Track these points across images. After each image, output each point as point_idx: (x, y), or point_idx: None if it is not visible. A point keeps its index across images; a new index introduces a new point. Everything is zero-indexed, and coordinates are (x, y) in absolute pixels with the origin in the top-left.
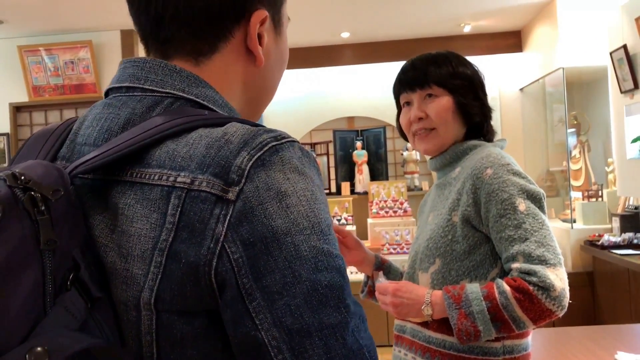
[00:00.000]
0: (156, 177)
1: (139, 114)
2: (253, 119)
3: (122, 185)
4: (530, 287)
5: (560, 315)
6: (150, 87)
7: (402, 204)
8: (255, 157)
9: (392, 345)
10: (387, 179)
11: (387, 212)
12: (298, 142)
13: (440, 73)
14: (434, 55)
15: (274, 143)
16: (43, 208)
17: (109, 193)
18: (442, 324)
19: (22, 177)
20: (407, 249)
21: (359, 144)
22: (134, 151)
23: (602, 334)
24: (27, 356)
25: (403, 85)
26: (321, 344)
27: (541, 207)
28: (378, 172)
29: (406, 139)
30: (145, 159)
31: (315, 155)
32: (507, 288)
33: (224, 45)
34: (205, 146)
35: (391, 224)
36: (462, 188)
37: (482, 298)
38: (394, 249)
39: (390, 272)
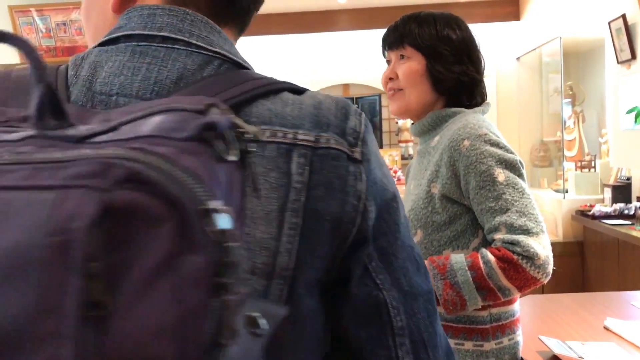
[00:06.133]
0: (267, 134)
1: (191, 71)
2: None
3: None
4: (515, 257)
5: (545, 282)
6: (197, 43)
7: (395, 172)
8: (364, 122)
9: None
10: (381, 147)
11: None
12: None
13: (416, 34)
14: (419, 15)
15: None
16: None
17: None
18: None
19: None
20: None
21: None
22: (234, 105)
23: (591, 301)
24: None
25: (383, 43)
26: (423, 307)
27: (520, 175)
28: None
29: None
30: (240, 115)
31: None
32: (491, 257)
33: (239, 30)
34: (312, 106)
35: None
36: (440, 160)
37: (466, 268)
38: None
39: None
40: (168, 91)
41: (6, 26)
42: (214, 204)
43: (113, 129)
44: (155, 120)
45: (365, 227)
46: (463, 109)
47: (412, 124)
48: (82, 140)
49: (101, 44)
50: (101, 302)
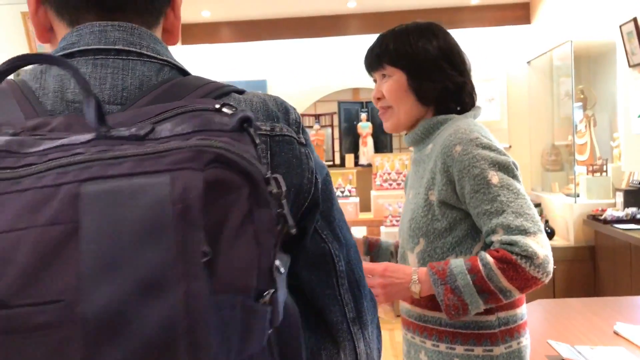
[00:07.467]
0: None
1: (149, 77)
2: None
3: None
4: (513, 257)
5: (546, 281)
6: (147, 53)
7: (405, 176)
8: (299, 115)
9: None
10: (391, 151)
11: (390, 185)
12: None
13: (392, 52)
14: (393, 32)
15: None
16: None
17: None
18: (436, 302)
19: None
20: None
21: (363, 115)
22: None
23: (601, 305)
24: None
25: (365, 66)
26: (354, 255)
27: (515, 177)
28: (382, 145)
29: None
30: None
31: None
32: (490, 259)
33: (159, 24)
34: (260, 103)
35: (394, 196)
36: (435, 167)
37: (466, 271)
38: (397, 220)
39: (379, 254)
40: (135, 96)
41: (19, 31)
42: (269, 173)
43: (152, 130)
44: (198, 119)
45: (317, 195)
46: (453, 115)
47: (406, 134)
48: (143, 138)
49: None
50: (208, 250)
